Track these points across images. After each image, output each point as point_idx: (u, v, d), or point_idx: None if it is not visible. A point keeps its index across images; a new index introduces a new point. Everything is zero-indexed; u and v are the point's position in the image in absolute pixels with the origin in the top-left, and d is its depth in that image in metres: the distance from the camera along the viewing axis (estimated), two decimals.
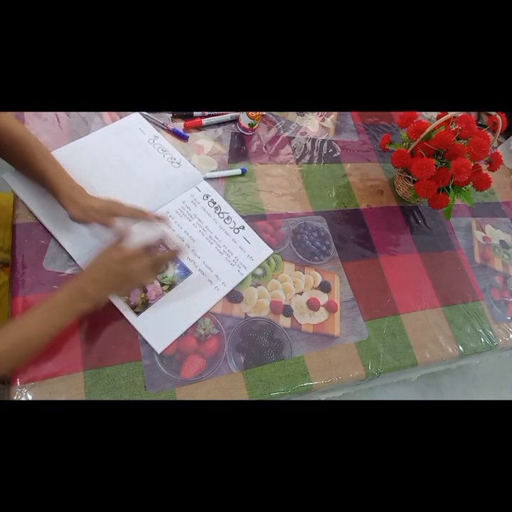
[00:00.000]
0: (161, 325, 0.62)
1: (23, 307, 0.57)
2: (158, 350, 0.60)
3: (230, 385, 0.61)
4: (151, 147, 0.77)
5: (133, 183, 0.72)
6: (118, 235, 0.58)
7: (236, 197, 0.78)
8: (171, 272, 0.66)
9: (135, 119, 0.79)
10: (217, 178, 0.78)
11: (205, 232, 0.72)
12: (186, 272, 0.67)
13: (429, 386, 1.47)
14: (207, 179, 0.77)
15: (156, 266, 0.60)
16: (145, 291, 0.63)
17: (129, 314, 0.61)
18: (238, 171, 0.80)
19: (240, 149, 0.84)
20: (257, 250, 0.73)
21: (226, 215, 0.75)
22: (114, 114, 0.77)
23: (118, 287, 0.58)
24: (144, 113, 0.79)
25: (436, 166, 0.75)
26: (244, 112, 0.82)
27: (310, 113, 0.96)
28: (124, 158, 0.74)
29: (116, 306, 0.61)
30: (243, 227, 0.74)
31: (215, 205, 0.75)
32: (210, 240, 0.71)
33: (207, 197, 0.75)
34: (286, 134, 0.90)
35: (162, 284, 0.65)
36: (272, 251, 0.74)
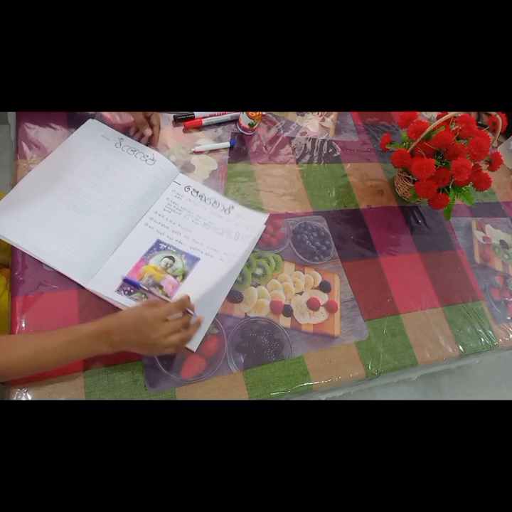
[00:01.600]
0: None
1: (23, 307, 0.57)
2: (194, 348, 0.61)
3: (230, 385, 0.61)
4: (120, 150, 0.73)
5: (114, 193, 0.68)
6: (183, 299, 0.56)
7: (236, 197, 0.78)
8: (179, 263, 0.66)
9: (93, 127, 0.74)
10: (218, 178, 0.78)
11: (199, 220, 0.72)
12: (194, 260, 0.67)
13: (429, 386, 1.47)
14: (196, 152, 0.79)
15: (183, 340, 0.56)
16: (161, 287, 0.63)
17: None
18: (227, 144, 0.82)
19: (240, 149, 0.84)
20: (253, 221, 0.75)
21: (212, 200, 0.75)
22: (114, 114, 0.77)
23: (143, 344, 0.54)
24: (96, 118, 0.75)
25: (436, 166, 0.75)
26: (244, 112, 0.82)
27: (310, 113, 0.96)
28: (97, 169, 0.70)
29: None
30: (233, 207, 0.76)
31: (199, 194, 0.75)
32: (206, 226, 0.72)
33: (188, 188, 0.75)
34: (286, 134, 0.90)
35: (175, 276, 0.65)
36: (267, 215, 0.77)
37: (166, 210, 0.72)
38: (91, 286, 0.60)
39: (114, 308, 0.60)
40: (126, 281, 0.61)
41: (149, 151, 0.75)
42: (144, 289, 0.61)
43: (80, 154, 0.71)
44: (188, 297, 0.57)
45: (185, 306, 0.57)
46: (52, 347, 0.50)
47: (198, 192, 0.75)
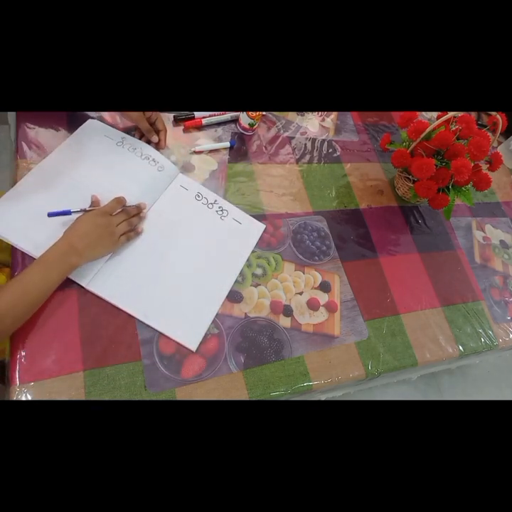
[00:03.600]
0: (186, 323, 0.63)
1: None
2: (193, 347, 0.61)
3: (230, 385, 0.61)
4: (121, 149, 0.73)
5: (116, 192, 0.67)
6: (92, 201, 0.65)
7: (236, 197, 0.78)
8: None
9: (94, 126, 0.74)
10: (218, 178, 0.78)
11: (194, 228, 0.72)
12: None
13: (429, 386, 1.47)
14: (196, 152, 0.79)
15: (130, 217, 0.65)
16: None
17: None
18: (227, 144, 0.82)
19: (240, 149, 0.84)
20: (249, 228, 0.75)
21: (212, 200, 0.75)
22: (114, 114, 0.77)
23: (103, 239, 0.61)
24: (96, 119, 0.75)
25: (436, 166, 0.75)
26: (244, 112, 0.82)
27: (310, 113, 0.96)
28: (99, 168, 0.70)
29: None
30: (227, 211, 0.75)
31: (197, 193, 0.75)
32: (202, 239, 0.71)
33: (200, 195, 0.75)
34: (286, 134, 0.90)
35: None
36: (264, 226, 0.76)
37: (166, 212, 0.71)
38: (91, 286, 0.60)
39: (113, 308, 0.60)
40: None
41: (151, 150, 0.75)
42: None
43: (81, 153, 0.70)
44: (122, 197, 0.66)
45: (121, 202, 0.65)
46: (33, 281, 0.54)
47: (207, 199, 0.75)
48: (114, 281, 0.62)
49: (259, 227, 0.76)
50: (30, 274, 0.54)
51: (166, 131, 0.76)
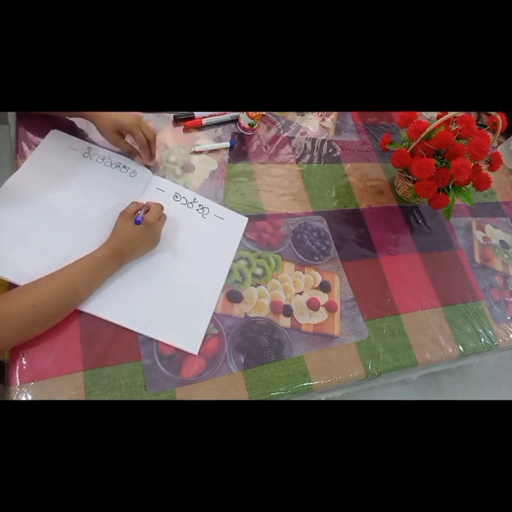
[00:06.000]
0: (183, 328, 0.62)
1: None
2: (195, 351, 0.61)
3: (230, 385, 0.61)
4: (89, 160, 0.70)
5: (89, 205, 0.66)
6: (133, 204, 0.65)
7: (236, 197, 0.78)
8: None
9: (57, 138, 0.70)
10: (218, 178, 0.78)
11: (177, 230, 0.70)
12: None
13: (429, 386, 1.47)
14: (196, 152, 0.79)
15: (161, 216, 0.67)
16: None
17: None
18: (227, 144, 0.82)
19: (240, 149, 0.84)
20: (232, 223, 0.75)
21: (191, 199, 0.74)
22: None
23: (148, 243, 0.64)
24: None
25: (436, 166, 0.75)
26: (244, 112, 0.82)
27: (310, 113, 0.96)
28: (68, 183, 0.67)
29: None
30: (208, 208, 0.74)
31: (175, 194, 0.73)
32: (188, 240, 0.70)
33: (178, 196, 0.73)
34: (286, 134, 0.90)
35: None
36: (246, 219, 0.76)
37: None
38: (84, 307, 0.58)
39: None
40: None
41: (121, 157, 0.72)
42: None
43: (47, 168, 0.67)
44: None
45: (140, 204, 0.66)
46: (83, 275, 0.56)
47: (186, 198, 0.73)
48: (106, 298, 0.60)
49: (242, 220, 0.75)
50: (81, 270, 0.56)
51: (154, 140, 0.71)
